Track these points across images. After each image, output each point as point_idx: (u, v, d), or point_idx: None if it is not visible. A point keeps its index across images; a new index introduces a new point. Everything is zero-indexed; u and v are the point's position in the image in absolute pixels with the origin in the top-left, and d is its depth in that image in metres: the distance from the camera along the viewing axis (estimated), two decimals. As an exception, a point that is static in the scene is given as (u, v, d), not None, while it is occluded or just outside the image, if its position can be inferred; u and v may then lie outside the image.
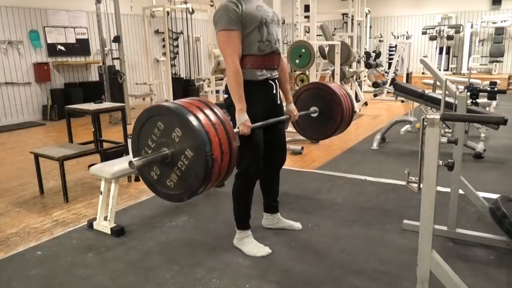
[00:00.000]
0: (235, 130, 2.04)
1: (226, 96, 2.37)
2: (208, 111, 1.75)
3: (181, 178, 1.73)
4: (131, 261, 2.43)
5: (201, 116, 1.70)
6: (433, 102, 4.60)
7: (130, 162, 1.64)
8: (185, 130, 1.67)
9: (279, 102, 2.46)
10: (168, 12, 8.60)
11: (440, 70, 10.74)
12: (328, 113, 2.87)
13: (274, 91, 2.41)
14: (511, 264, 2.28)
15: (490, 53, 11.01)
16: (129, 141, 3.05)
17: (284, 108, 2.59)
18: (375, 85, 7.30)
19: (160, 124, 1.72)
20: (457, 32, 11.31)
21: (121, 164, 2.89)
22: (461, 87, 4.94)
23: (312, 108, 2.87)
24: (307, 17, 7.77)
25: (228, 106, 2.37)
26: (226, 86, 2.36)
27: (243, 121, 2.15)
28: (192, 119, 1.66)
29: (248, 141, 2.24)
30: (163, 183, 1.80)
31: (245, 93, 2.22)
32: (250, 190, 2.42)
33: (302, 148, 4.71)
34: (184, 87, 8.97)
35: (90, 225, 2.88)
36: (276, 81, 2.43)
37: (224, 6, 2.18)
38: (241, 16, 2.17)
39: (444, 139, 1.61)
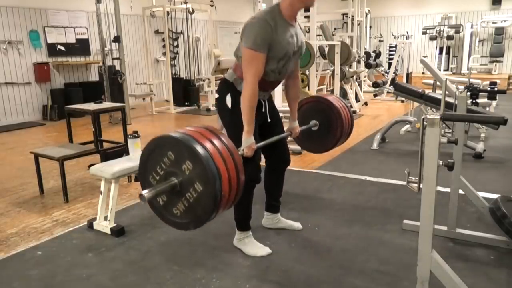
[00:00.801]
0: (240, 152, 2.04)
1: (218, 96, 2.37)
2: (218, 143, 1.73)
3: (189, 208, 1.73)
4: (131, 261, 2.43)
5: (212, 150, 1.68)
6: (433, 102, 4.60)
7: (141, 195, 1.64)
8: (196, 164, 1.65)
9: (269, 120, 2.44)
10: (168, 12, 8.60)
11: (440, 70, 10.74)
12: (328, 127, 2.89)
13: (263, 110, 2.39)
14: (511, 264, 2.28)
15: (490, 53, 11.01)
16: (129, 141, 3.06)
17: (288, 125, 2.61)
18: (375, 85, 7.31)
19: (171, 154, 1.70)
20: (457, 32, 11.31)
21: (121, 164, 2.89)
22: (461, 87, 4.95)
23: (312, 122, 2.88)
24: (307, 17, 7.76)
25: (220, 109, 2.38)
26: (219, 86, 2.37)
27: (249, 144, 2.14)
28: (203, 153, 1.64)
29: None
30: (170, 210, 1.79)
31: (239, 102, 2.22)
32: (250, 193, 2.41)
33: (300, 152, 4.71)
34: (184, 87, 8.96)
35: (90, 225, 2.88)
36: (267, 101, 2.42)
37: (259, 23, 2.08)
38: (271, 40, 2.11)
39: (444, 139, 1.61)
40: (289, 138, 2.67)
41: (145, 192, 1.66)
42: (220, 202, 1.69)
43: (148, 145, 1.78)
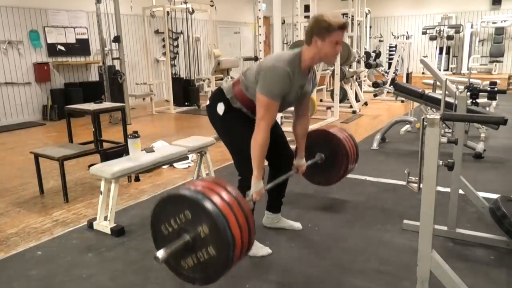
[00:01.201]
0: (247, 198, 2.05)
1: (208, 103, 2.37)
2: (236, 208, 1.71)
3: (198, 266, 1.71)
4: (131, 261, 2.43)
5: (230, 217, 1.66)
6: (433, 102, 4.60)
7: (156, 257, 1.63)
8: (213, 232, 1.64)
9: None
10: (168, 12, 8.60)
11: (440, 70, 10.73)
12: (333, 160, 2.93)
13: None
14: (511, 264, 2.28)
15: (490, 53, 11.01)
16: (129, 141, 3.06)
17: (295, 162, 2.60)
18: (375, 85, 7.31)
19: (188, 213, 1.68)
20: (457, 32, 11.31)
21: (121, 164, 2.89)
22: (461, 87, 4.94)
23: (318, 155, 2.92)
24: (307, 17, 7.76)
25: (210, 116, 2.38)
26: (212, 94, 2.38)
27: (258, 189, 2.15)
28: (221, 224, 1.62)
29: (244, 152, 2.24)
30: (177, 261, 1.76)
31: (231, 109, 2.27)
32: None
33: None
34: (184, 87, 8.96)
35: (90, 225, 2.88)
36: None
37: (280, 74, 2.06)
38: (288, 90, 2.13)
39: (444, 139, 1.62)
40: (289, 135, 2.66)
41: (160, 254, 1.63)
42: (232, 265, 1.69)
43: (167, 198, 1.76)
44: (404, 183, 1.85)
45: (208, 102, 2.40)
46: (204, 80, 8.90)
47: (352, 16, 8.45)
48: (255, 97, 2.17)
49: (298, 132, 2.55)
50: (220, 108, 2.31)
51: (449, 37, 11.28)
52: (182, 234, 1.70)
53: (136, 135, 3.06)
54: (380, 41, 12.39)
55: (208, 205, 1.65)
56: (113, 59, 7.38)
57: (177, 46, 10.26)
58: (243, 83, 2.25)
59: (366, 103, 8.38)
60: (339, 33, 2.09)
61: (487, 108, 5.62)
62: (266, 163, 2.46)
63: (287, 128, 2.98)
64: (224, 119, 2.32)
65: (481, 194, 2.69)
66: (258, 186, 2.15)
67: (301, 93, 2.29)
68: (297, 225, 2.77)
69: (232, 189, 1.80)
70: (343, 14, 11.21)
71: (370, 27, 11.75)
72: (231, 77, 8.89)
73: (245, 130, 2.23)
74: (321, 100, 8.57)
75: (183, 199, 1.72)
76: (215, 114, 2.34)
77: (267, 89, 2.07)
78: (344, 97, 7.87)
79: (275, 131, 2.45)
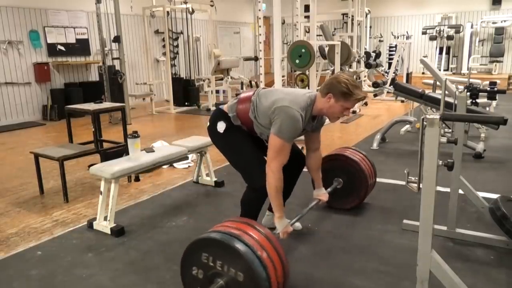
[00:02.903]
0: (276, 235, 2.04)
1: (208, 124, 2.42)
2: (273, 255, 1.70)
3: None
4: (131, 261, 2.43)
5: (268, 263, 1.65)
6: (433, 102, 4.60)
7: None
8: (248, 274, 1.63)
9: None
10: (168, 12, 8.59)
11: (440, 70, 10.73)
12: (352, 182, 2.94)
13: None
14: (511, 264, 2.28)
15: (490, 53, 11.01)
16: (129, 141, 3.06)
17: (314, 192, 2.65)
18: (375, 85, 7.30)
19: (220, 257, 1.68)
20: (457, 32, 11.31)
21: (121, 164, 2.89)
22: (461, 87, 4.94)
23: (336, 182, 2.92)
24: (307, 17, 7.77)
25: (212, 136, 2.42)
26: (212, 115, 2.42)
27: (284, 228, 2.16)
28: (260, 271, 1.61)
29: (248, 166, 2.29)
30: None
31: (232, 126, 2.31)
32: (262, 202, 2.42)
33: (303, 148, 4.71)
34: (184, 87, 8.96)
35: (90, 225, 2.88)
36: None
37: (295, 119, 2.11)
38: (300, 131, 2.20)
39: (444, 139, 1.61)
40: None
41: None
42: None
43: (198, 242, 1.76)
44: (404, 183, 1.86)
45: (208, 124, 2.44)
46: (204, 80, 8.89)
47: (352, 16, 8.45)
48: (260, 126, 2.25)
49: (312, 165, 2.58)
50: (221, 126, 2.34)
51: (449, 37, 11.28)
52: (215, 278, 1.69)
53: (136, 135, 3.05)
54: (380, 41, 12.38)
55: (242, 247, 1.63)
56: (113, 59, 7.38)
57: (177, 46, 10.26)
58: (254, 106, 2.26)
59: (366, 103, 8.37)
60: (354, 102, 2.15)
61: (487, 108, 5.62)
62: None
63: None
64: (225, 136, 2.36)
65: (481, 194, 2.69)
66: (283, 224, 2.17)
67: (316, 125, 2.37)
68: (297, 224, 2.76)
69: (263, 229, 1.79)
70: (343, 14, 11.26)
71: (370, 27, 11.75)
72: (231, 77, 8.89)
73: (246, 145, 2.32)
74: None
75: (214, 242, 1.71)
76: (216, 133, 2.38)
77: (283, 132, 2.11)
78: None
79: None
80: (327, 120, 2.38)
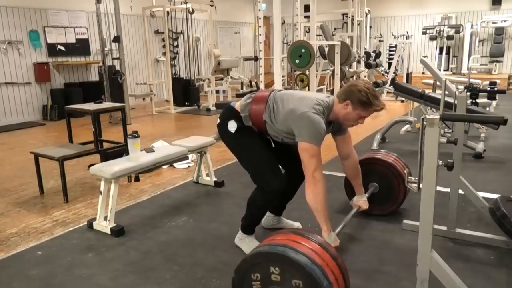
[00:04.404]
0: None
1: (219, 122, 2.39)
2: (329, 261, 1.64)
3: None
4: (131, 261, 2.43)
5: (325, 268, 1.59)
6: (433, 102, 4.60)
7: None
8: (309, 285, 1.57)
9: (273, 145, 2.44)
10: (168, 12, 8.59)
11: (440, 70, 10.73)
12: (388, 187, 2.86)
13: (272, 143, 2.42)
14: (511, 264, 2.28)
15: (490, 53, 11.00)
16: (129, 141, 3.06)
17: (354, 198, 2.62)
18: (375, 85, 7.29)
19: (278, 270, 1.61)
20: (457, 32, 11.31)
21: (121, 164, 2.89)
22: (461, 87, 4.95)
23: (371, 187, 2.85)
24: (307, 17, 7.76)
25: (222, 134, 2.39)
26: (222, 113, 2.38)
27: (333, 241, 2.12)
28: (318, 275, 1.54)
29: (259, 167, 2.28)
30: None
31: (243, 127, 2.29)
32: (270, 206, 2.41)
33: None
34: (184, 87, 8.96)
35: (90, 225, 2.88)
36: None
37: (314, 119, 2.08)
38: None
39: (444, 139, 1.61)
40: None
41: None
42: None
43: (252, 258, 1.69)
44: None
45: (218, 121, 2.40)
46: (204, 80, 8.90)
47: (352, 16, 8.45)
48: (275, 129, 2.23)
49: (349, 173, 2.56)
50: (232, 125, 2.30)
51: (449, 37, 11.27)
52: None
53: (136, 135, 3.05)
54: (380, 41, 12.38)
55: (301, 258, 1.57)
56: (113, 59, 7.37)
57: (177, 46, 10.26)
58: (270, 110, 2.23)
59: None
60: (372, 112, 2.15)
61: (487, 108, 5.62)
62: (283, 170, 2.47)
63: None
64: (237, 137, 2.32)
65: (481, 194, 2.69)
66: (331, 239, 2.12)
67: (333, 129, 2.35)
68: (297, 225, 2.77)
69: (318, 239, 1.73)
70: (343, 14, 11.26)
71: (370, 27, 11.74)
72: (231, 77, 8.89)
73: (259, 147, 2.29)
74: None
75: (269, 256, 1.65)
76: (227, 132, 2.33)
77: (312, 137, 2.07)
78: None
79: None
80: None
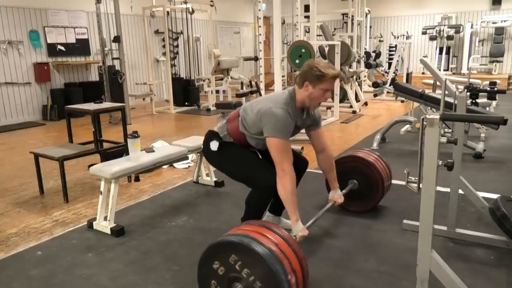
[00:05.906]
0: (293, 237, 2.03)
1: (203, 147, 2.49)
2: (289, 253, 1.71)
3: None
4: (131, 261, 2.43)
5: (284, 261, 1.65)
6: (433, 102, 4.60)
7: None
8: (267, 277, 1.62)
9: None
10: (168, 12, 8.59)
11: (440, 70, 10.73)
12: (368, 184, 2.91)
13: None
14: (511, 264, 2.28)
15: (490, 53, 11.01)
16: (129, 141, 3.06)
17: (330, 193, 2.64)
18: (375, 85, 7.29)
19: (238, 260, 1.67)
20: (457, 32, 11.31)
21: (121, 164, 2.89)
22: (461, 87, 4.94)
23: (351, 183, 2.90)
24: (307, 17, 7.77)
25: (207, 156, 2.50)
26: (205, 137, 2.47)
27: (301, 231, 2.14)
28: (276, 267, 1.60)
29: (249, 177, 2.32)
30: None
31: (224, 143, 2.38)
32: (268, 203, 2.42)
33: (302, 148, 4.72)
34: (184, 87, 8.96)
35: (90, 225, 2.88)
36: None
37: (283, 115, 2.16)
38: (291, 127, 2.24)
39: (444, 139, 1.62)
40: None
41: None
42: None
43: (216, 245, 1.74)
44: (404, 183, 1.86)
45: (202, 147, 2.52)
46: (204, 80, 8.90)
47: (352, 16, 8.46)
48: (253, 136, 2.29)
49: (324, 167, 2.59)
50: (214, 145, 2.41)
51: (449, 37, 11.28)
52: (233, 283, 1.68)
53: (136, 135, 3.05)
54: (380, 41, 12.38)
55: (260, 249, 1.62)
56: (113, 59, 7.37)
57: (177, 46, 10.26)
58: (242, 120, 2.32)
59: (366, 103, 8.38)
60: (331, 82, 2.19)
61: (487, 108, 5.62)
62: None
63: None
64: (220, 152, 2.41)
65: (481, 194, 2.69)
66: (299, 227, 2.15)
67: (309, 123, 2.41)
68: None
69: (281, 231, 1.78)
70: (343, 14, 11.26)
71: (370, 27, 11.75)
72: (231, 77, 8.89)
73: (243, 154, 2.37)
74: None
75: (232, 245, 1.70)
76: (210, 152, 2.44)
77: (277, 131, 2.15)
78: (344, 97, 7.87)
79: None
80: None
